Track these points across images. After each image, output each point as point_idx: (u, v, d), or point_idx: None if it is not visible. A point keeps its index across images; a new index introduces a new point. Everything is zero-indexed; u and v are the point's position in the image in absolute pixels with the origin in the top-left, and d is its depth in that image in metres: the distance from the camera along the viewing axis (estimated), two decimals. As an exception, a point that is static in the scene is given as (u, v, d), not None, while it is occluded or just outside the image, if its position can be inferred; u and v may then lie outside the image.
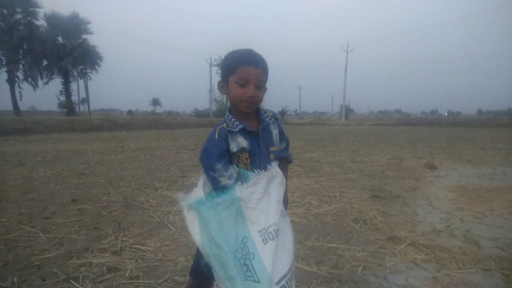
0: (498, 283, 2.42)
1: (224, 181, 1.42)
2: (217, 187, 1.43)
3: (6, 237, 3.23)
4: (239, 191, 1.34)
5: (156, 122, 28.68)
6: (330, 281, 2.44)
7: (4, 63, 30.93)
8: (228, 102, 1.63)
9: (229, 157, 1.48)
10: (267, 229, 1.33)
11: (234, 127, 1.50)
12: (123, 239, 3.20)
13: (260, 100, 1.53)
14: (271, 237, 1.33)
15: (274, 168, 1.46)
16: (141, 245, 3.07)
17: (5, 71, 30.98)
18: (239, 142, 1.49)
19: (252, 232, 1.32)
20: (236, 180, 1.43)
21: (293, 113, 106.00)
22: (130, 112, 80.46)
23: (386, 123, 49.97)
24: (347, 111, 70.99)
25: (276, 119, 1.67)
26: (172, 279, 2.47)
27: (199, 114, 54.87)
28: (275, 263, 1.31)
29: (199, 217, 1.35)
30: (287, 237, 1.46)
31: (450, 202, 4.62)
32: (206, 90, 55.27)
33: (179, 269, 2.63)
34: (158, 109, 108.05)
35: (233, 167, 1.47)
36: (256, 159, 1.52)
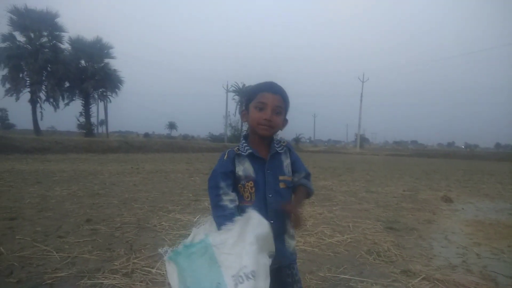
0: (517, 323, 2.33)
1: (226, 201, 1.48)
2: (217, 205, 1.48)
3: (20, 254, 3.27)
4: (212, 238, 1.36)
5: (172, 146, 29.01)
6: None
7: (28, 84, 31.93)
8: (246, 129, 1.71)
9: (234, 179, 1.54)
10: (238, 272, 1.32)
11: (244, 151, 1.57)
12: (135, 261, 3.21)
13: (277, 125, 1.58)
14: (241, 281, 1.31)
15: (250, 213, 1.42)
16: (152, 268, 3.07)
17: (29, 91, 31.91)
18: (246, 167, 1.55)
19: (226, 277, 1.32)
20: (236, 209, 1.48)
21: (307, 141, 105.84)
22: (146, 135, 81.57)
23: (402, 153, 49.41)
24: (362, 140, 70.63)
25: (289, 149, 1.69)
26: (182, 304, 2.45)
27: (214, 138, 55.32)
28: None
29: (177, 267, 1.37)
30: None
31: (467, 237, 4.51)
32: (222, 115, 55.90)
33: (189, 294, 2.61)
34: (174, 133, 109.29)
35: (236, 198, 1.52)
36: (260, 187, 1.56)
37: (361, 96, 55.18)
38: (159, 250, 1.45)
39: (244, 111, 1.66)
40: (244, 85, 56.13)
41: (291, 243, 1.67)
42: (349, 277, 3.03)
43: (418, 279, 2.99)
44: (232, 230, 1.38)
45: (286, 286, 1.66)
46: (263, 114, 1.55)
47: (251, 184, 1.55)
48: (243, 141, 1.63)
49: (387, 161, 27.50)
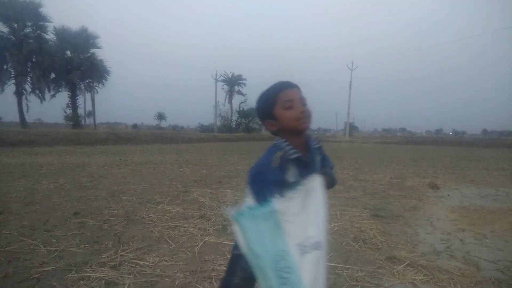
0: (496, 306, 2.40)
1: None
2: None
3: (7, 249, 3.25)
4: (277, 204, 1.34)
5: (161, 136, 28.80)
6: None
7: (12, 75, 31.36)
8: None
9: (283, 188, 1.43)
10: (304, 242, 1.34)
11: (291, 154, 1.47)
12: (123, 253, 3.22)
13: (311, 114, 1.53)
14: (309, 250, 1.33)
15: (313, 181, 1.43)
16: (140, 260, 3.08)
17: (13, 83, 31.36)
18: (294, 172, 1.48)
19: (290, 246, 1.33)
20: None
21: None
22: (135, 126, 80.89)
23: (390, 141, 49.85)
24: (351, 128, 71.01)
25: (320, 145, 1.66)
26: (170, 295, 2.47)
27: (203, 129, 55.10)
28: (317, 274, 1.33)
29: (241, 228, 1.37)
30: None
31: (452, 223, 4.60)
32: (211, 105, 55.55)
33: (176, 285, 2.64)
34: (163, 123, 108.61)
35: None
36: None
37: (350, 84, 55.30)
38: (225, 211, 1.45)
39: (269, 120, 1.56)
40: (233, 74, 55.87)
41: None
42: (335, 264, 3.08)
43: (403, 265, 3.05)
44: (295, 199, 1.37)
45: None
46: (296, 109, 1.48)
47: None
48: (284, 142, 1.52)
49: (376, 149, 27.74)
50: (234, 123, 53.04)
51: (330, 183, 1.66)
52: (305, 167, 1.51)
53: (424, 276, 2.84)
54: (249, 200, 1.49)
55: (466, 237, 3.98)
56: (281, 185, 1.42)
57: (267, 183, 1.42)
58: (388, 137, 70.27)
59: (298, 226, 1.36)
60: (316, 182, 1.44)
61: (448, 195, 6.60)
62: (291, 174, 1.47)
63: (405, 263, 3.08)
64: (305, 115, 1.49)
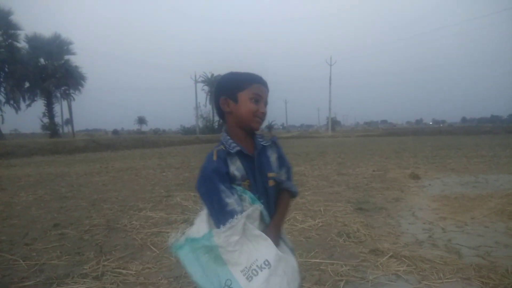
0: (477, 292, 2.45)
1: (232, 205, 1.34)
2: (225, 213, 1.34)
3: (-16, 266, 3.16)
4: (217, 238, 1.31)
5: (142, 141, 28.49)
6: None
7: (-15, 86, 30.57)
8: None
9: (230, 181, 1.40)
10: (250, 266, 1.31)
11: (231, 148, 1.43)
12: (105, 263, 3.15)
13: (265, 119, 1.53)
14: (256, 273, 1.30)
15: (251, 207, 1.38)
16: (123, 268, 3.03)
17: (-14, 95, 30.58)
18: (238, 166, 1.43)
19: (235, 273, 1.31)
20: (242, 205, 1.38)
21: (280, 127, 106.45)
22: (115, 132, 79.78)
23: (373, 134, 50.53)
24: (334, 123, 71.67)
25: (274, 143, 1.60)
26: (154, 303, 2.43)
27: (185, 131, 54.73)
28: None
29: (181, 261, 1.36)
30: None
31: (433, 212, 4.68)
32: (192, 107, 55.23)
33: (161, 292, 2.60)
34: (144, 128, 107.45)
35: (238, 190, 1.40)
36: (252, 187, 1.45)
37: (330, 79, 55.79)
38: (171, 235, 1.43)
39: (228, 99, 1.49)
40: (212, 74, 55.59)
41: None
42: (320, 260, 3.09)
43: (386, 257, 3.08)
44: (235, 227, 1.32)
45: None
46: (260, 107, 1.47)
47: (248, 183, 1.44)
48: (227, 136, 1.49)
49: (358, 142, 28.06)
50: (216, 124, 52.87)
51: (291, 197, 1.62)
52: (251, 163, 1.47)
53: (407, 266, 2.87)
54: (203, 214, 1.47)
55: (448, 225, 4.05)
56: (224, 178, 1.38)
57: (211, 179, 1.37)
58: (370, 130, 71.17)
59: (241, 252, 1.33)
60: (255, 213, 1.40)
61: (429, 185, 6.71)
62: (235, 168, 1.42)
63: (389, 255, 3.11)
64: (262, 117, 1.49)
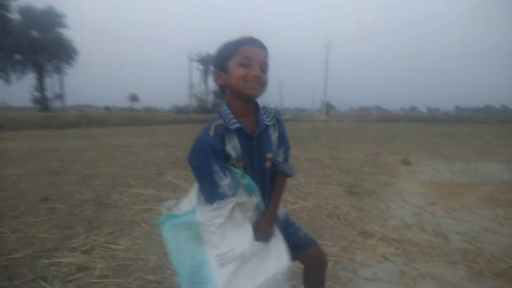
0: (462, 275, 2.48)
1: (224, 188, 1.29)
2: (214, 194, 1.29)
3: (-29, 237, 3.13)
4: (200, 215, 1.28)
5: (134, 119, 28.27)
6: (300, 277, 2.45)
7: (-25, 57, 29.96)
8: (224, 96, 1.42)
9: (224, 160, 1.33)
10: (227, 253, 1.29)
11: (231, 124, 1.33)
12: (94, 238, 3.14)
13: (266, 84, 1.37)
14: (230, 261, 1.29)
15: (246, 198, 1.34)
16: (112, 244, 3.02)
17: (-24, 65, 30.02)
18: (235, 145, 1.34)
19: (209, 256, 1.30)
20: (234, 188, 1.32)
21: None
22: (107, 108, 79.01)
23: (366, 119, 50.70)
24: (328, 107, 71.66)
25: (277, 120, 1.49)
26: (143, 278, 2.44)
27: (178, 110, 54.38)
28: (236, 285, 1.29)
29: (162, 236, 1.35)
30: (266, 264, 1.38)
31: (423, 197, 4.72)
32: (186, 86, 54.76)
33: (150, 268, 2.60)
34: (136, 105, 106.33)
35: (231, 170, 1.34)
36: (247, 166, 1.38)
37: (326, 63, 55.55)
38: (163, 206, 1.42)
39: (219, 72, 1.38)
40: (208, 54, 54.93)
41: (280, 212, 1.62)
42: (310, 241, 3.10)
43: (375, 239, 3.11)
44: (222, 209, 1.28)
45: (291, 235, 1.62)
46: (251, 69, 1.31)
47: (242, 163, 1.36)
48: (228, 110, 1.37)
49: (352, 127, 28.13)
50: (210, 104, 52.54)
51: (284, 178, 1.56)
52: (250, 142, 1.38)
53: (395, 249, 2.90)
54: (194, 190, 1.44)
55: (437, 210, 4.09)
56: (219, 157, 1.30)
57: (205, 156, 1.29)
58: (364, 116, 71.44)
59: (221, 236, 1.30)
60: (251, 203, 1.36)
61: (420, 171, 6.76)
62: (231, 146, 1.33)
63: (377, 237, 3.14)
64: (257, 80, 1.32)
